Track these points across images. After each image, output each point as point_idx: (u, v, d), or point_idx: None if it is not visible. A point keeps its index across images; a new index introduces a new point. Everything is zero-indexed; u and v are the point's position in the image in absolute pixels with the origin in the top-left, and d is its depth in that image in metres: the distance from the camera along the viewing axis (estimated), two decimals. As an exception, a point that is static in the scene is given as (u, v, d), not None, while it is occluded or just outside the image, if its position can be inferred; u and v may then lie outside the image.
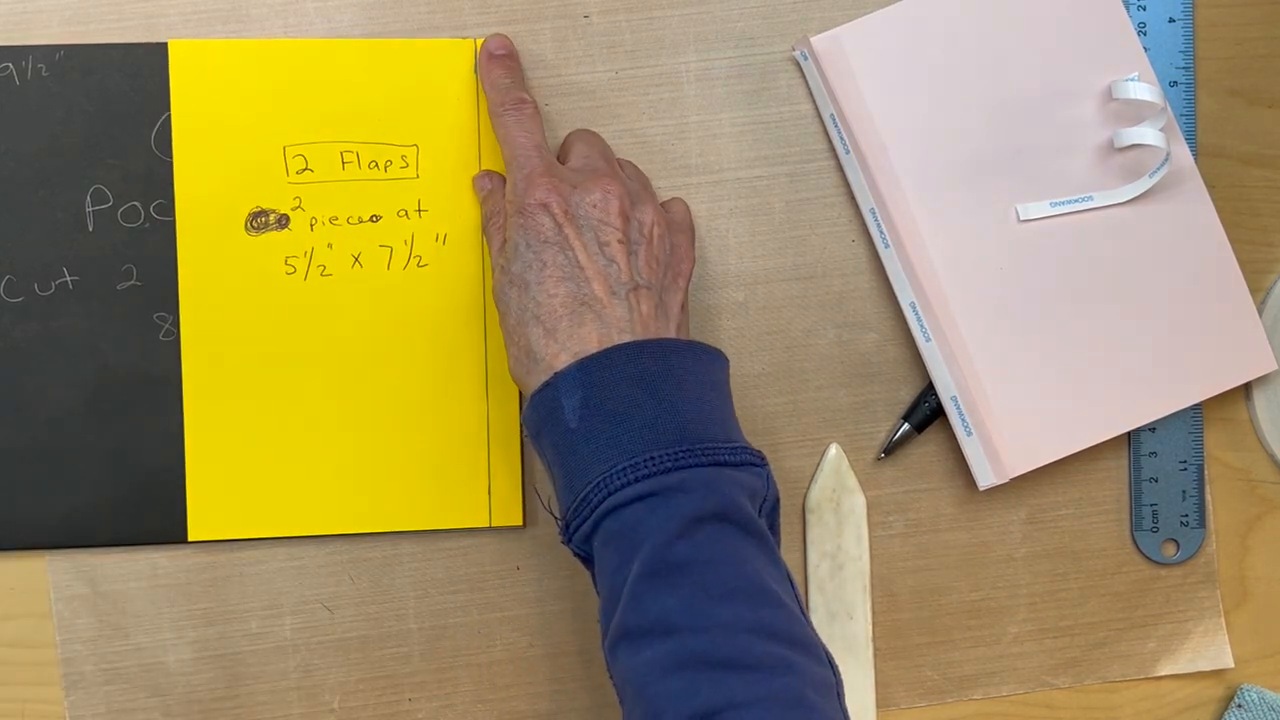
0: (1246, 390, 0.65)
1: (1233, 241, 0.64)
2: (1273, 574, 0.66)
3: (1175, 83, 0.64)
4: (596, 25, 0.63)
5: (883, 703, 0.64)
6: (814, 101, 0.63)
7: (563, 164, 0.58)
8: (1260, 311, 0.65)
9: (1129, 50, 0.63)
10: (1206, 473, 0.65)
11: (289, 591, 0.62)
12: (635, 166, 0.61)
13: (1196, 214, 0.63)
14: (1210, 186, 0.64)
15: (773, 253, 0.64)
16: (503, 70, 0.60)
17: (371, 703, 0.63)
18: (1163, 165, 0.61)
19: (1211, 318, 0.63)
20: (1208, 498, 0.65)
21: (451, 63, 0.62)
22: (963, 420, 0.62)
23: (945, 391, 0.62)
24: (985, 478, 0.62)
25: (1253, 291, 0.64)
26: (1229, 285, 0.63)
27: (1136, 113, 0.62)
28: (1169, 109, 0.62)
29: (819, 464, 0.64)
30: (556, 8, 0.63)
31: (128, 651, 0.60)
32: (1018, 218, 0.62)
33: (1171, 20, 0.64)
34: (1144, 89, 0.61)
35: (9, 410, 0.61)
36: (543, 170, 0.55)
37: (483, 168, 0.62)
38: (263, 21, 0.62)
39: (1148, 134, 0.61)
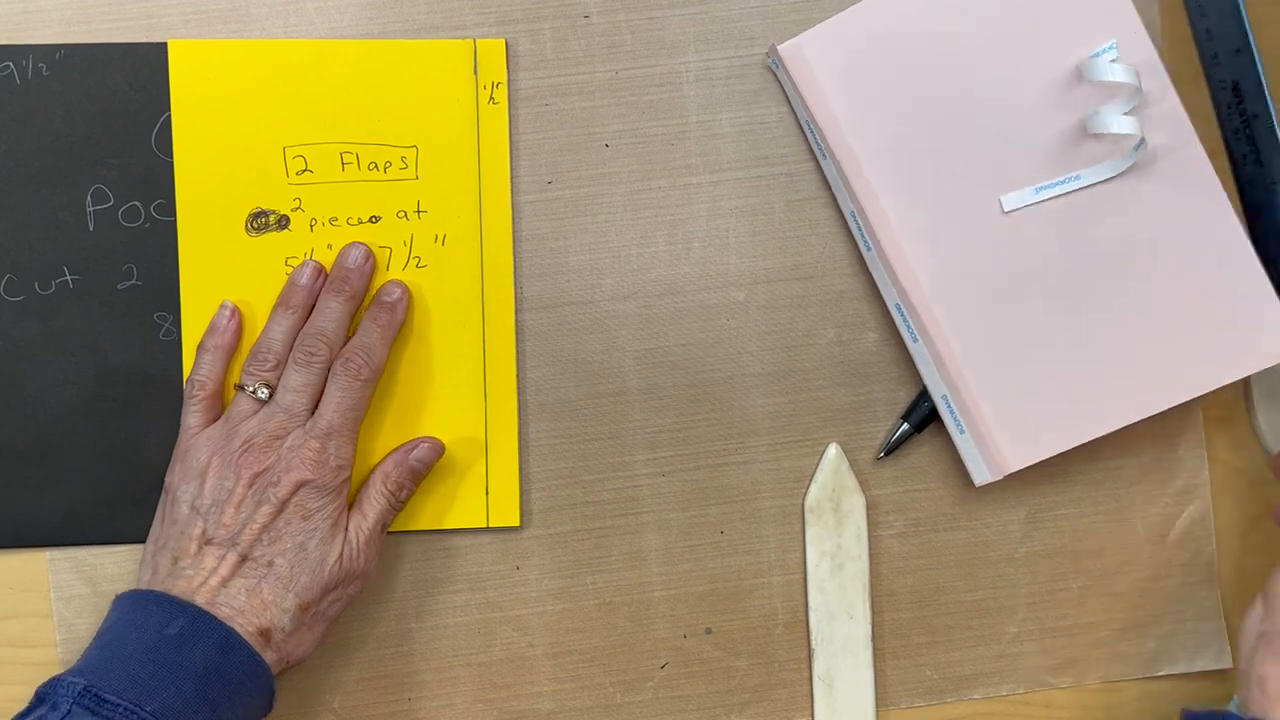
0: (1246, 390, 0.65)
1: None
2: (1273, 574, 0.66)
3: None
4: (596, 25, 0.63)
5: (883, 702, 0.64)
6: (791, 108, 0.63)
7: None
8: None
9: (1133, 34, 0.61)
10: (1207, 472, 0.65)
11: (289, 591, 0.62)
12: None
13: (1195, 182, 0.60)
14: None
15: (773, 253, 0.64)
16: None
17: (371, 702, 0.63)
18: (1140, 145, 0.60)
19: (1218, 297, 0.60)
20: (1208, 497, 0.65)
21: (451, 63, 0.62)
22: (955, 419, 0.62)
23: (936, 391, 0.62)
24: (981, 475, 0.62)
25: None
26: (1236, 260, 0.60)
27: (1114, 90, 0.60)
28: (1162, 76, 0.60)
29: (819, 464, 0.64)
30: (556, 8, 0.63)
31: None
32: (1001, 209, 0.61)
33: None
34: (1118, 69, 0.59)
35: (9, 409, 0.61)
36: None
37: (481, 168, 0.62)
38: (263, 22, 0.62)
39: (1117, 121, 0.59)
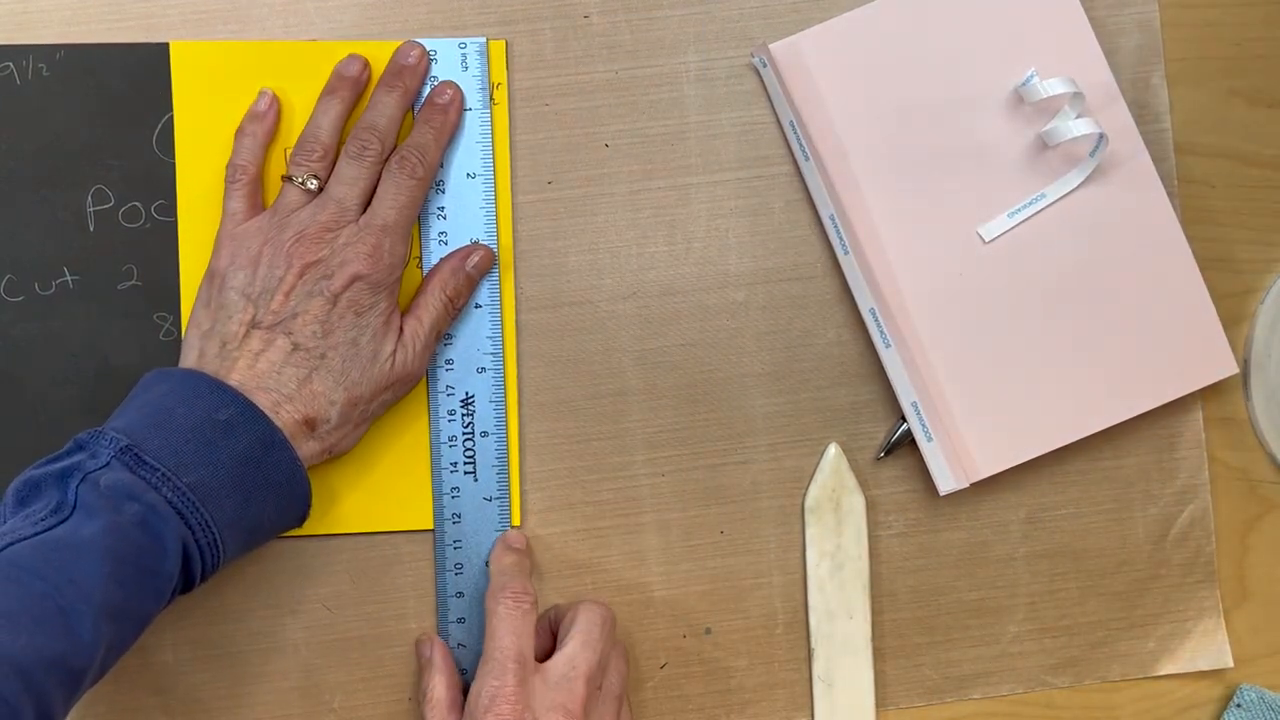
0: (1246, 390, 0.65)
1: (1233, 241, 0.63)
2: (1273, 574, 0.66)
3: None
4: (596, 25, 0.63)
5: (883, 702, 0.64)
6: (773, 108, 0.63)
7: (550, 644, 0.58)
8: (1258, 311, 0.65)
9: (1087, 52, 0.62)
10: (1207, 472, 0.65)
11: (289, 591, 0.62)
12: (623, 662, 0.59)
13: (1149, 201, 0.62)
14: (1210, 186, 0.64)
15: (772, 253, 0.64)
16: (514, 558, 0.60)
17: (371, 702, 0.63)
18: (1099, 145, 0.61)
19: (1171, 318, 0.63)
20: (1208, 497, 0.65)
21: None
22: (923, 426, 0.62)
23: (905, 397, 0.62)
24: (946, 484, 0.62)
25: (1253, 291, 0.64)
26: (1186, 284, 0.62)
27: (1085, 107, 0.62)
28: (1107, 91, 0.62)
29: (819, 464, 0.64)
30: (556, 8, 0.63)
31: (128, 651, 0.60)
32: (979, 231, 0.62)
33: None
34: (1054, 84, 0.60)
35: (9, 409, 0.61)
36: (513, 691, 0.54)
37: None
38: (263, 22, 0.62)
39: (1073, 126, 0.60)
